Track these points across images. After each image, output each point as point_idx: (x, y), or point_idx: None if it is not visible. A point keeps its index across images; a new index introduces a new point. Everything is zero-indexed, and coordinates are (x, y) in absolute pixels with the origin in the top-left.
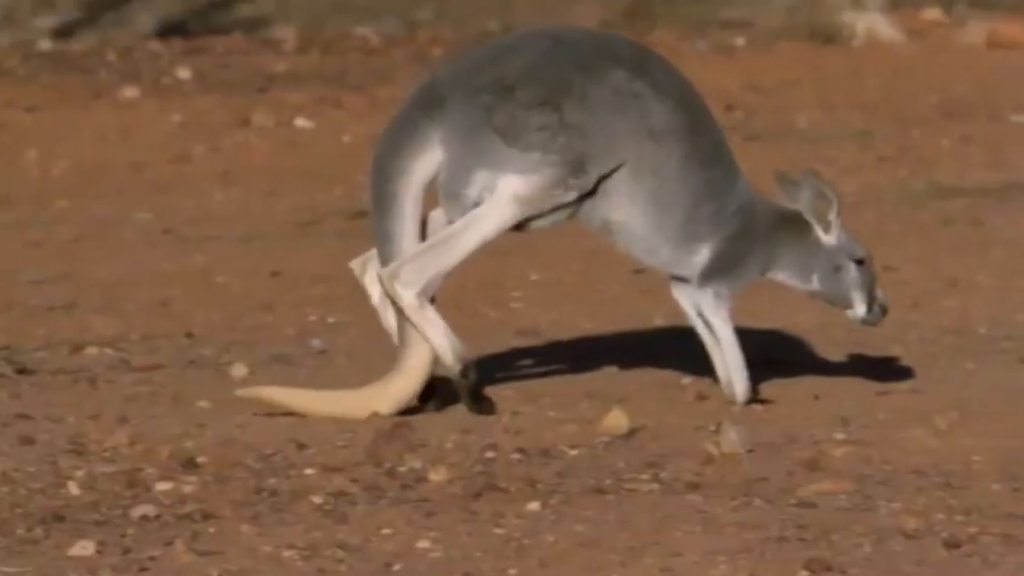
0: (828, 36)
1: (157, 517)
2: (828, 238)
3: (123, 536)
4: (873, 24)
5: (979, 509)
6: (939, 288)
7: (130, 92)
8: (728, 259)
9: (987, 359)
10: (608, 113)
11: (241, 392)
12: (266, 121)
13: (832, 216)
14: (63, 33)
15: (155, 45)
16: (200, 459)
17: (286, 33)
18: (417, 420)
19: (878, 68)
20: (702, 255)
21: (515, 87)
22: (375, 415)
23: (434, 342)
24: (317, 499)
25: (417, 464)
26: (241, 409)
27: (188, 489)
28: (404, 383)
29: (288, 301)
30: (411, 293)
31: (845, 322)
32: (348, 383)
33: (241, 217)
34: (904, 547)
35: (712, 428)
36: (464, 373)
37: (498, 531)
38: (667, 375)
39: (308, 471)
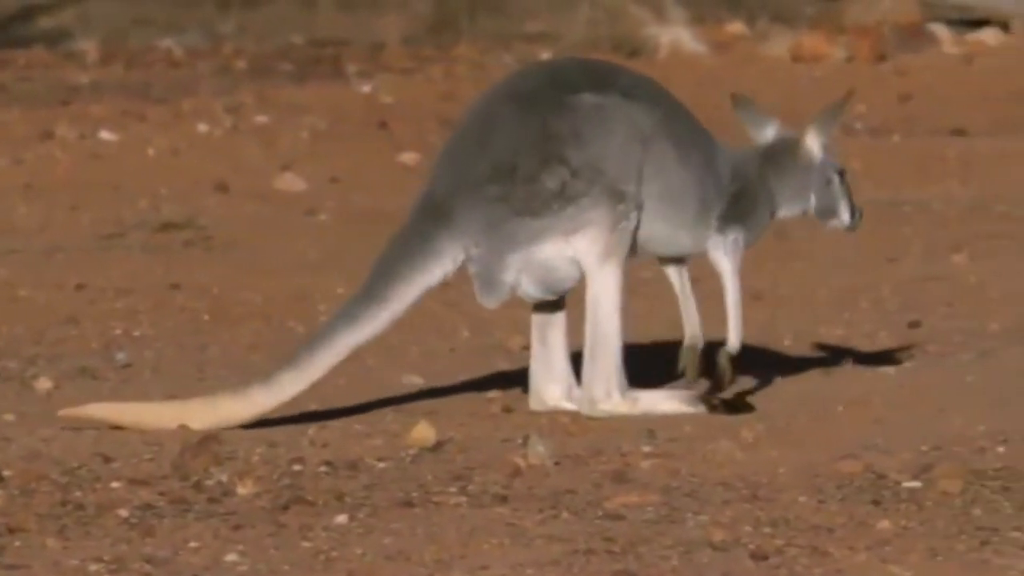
0: (633, 49)
1: None
2: (815, 147)
3: None
4: (677, 37)
5: (786, 521)
6: (744, 300)
7: None
8: (740, 212)
9: (792, 371)
10: (602, 134)
11: (63, 412)
12: (69, 134)
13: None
14: None
15: None
16: (5, 473)
17: (88, 46)
18: (224, 433)
19: (683, 81)
20: (716, 225)
21: (513, 165)
22: (183, 428)
23: (671, 412)
24: (123, 513)
25: (224, 477)
26: (46, 422)
27: None
28: (237, 407)
29: (93, 314)
30: (615, 402)
31: (649, 330)
32: (152, 396)
33: (45, 230)
34: (711, 559)
35: (519, 441)
36: (712, 408)
37: (306, 544)
38: (473, 388)
39: (114, 484)
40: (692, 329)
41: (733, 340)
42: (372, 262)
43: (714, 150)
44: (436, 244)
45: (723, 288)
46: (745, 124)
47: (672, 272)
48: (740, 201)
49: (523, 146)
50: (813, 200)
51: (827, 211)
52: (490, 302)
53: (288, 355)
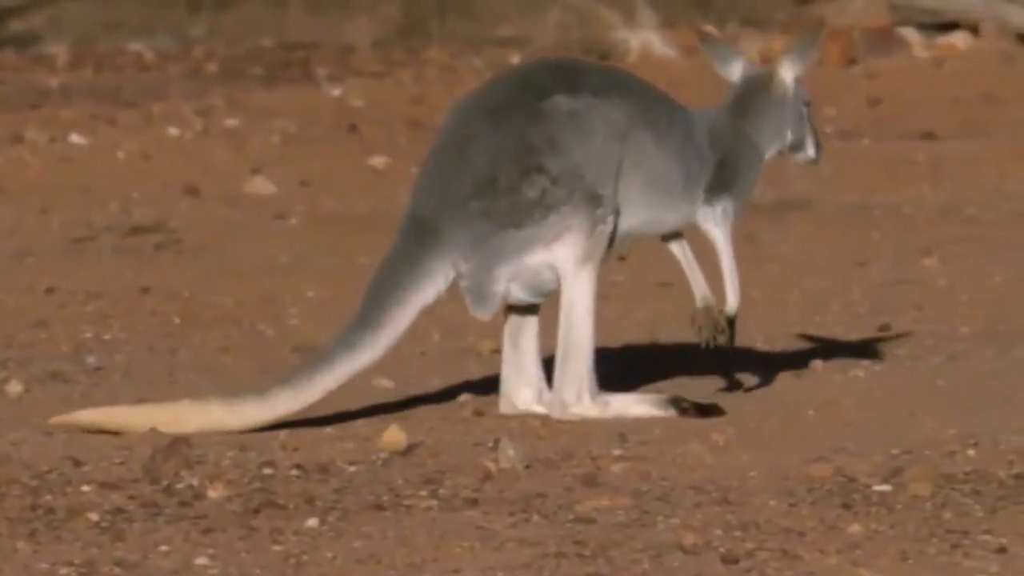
0: (603, 52)
1: None
2: (788, 79)
3: None
4: (647, 41)
5: (756, 524)
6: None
7: None
8: (726, 181)
9: (763, 374)
10: (579, 139)
11: (55, 420)
12: (39, 137)
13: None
14: None
15: None
16: None
17: (58, 49)
18: (194, 437)
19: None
20: (704, 197)
21: (494, 179)
22: (153, 431)
23: (641, 416)
24: (94, 516)
25: (195, 481)
26: (16, 426)
27: None
28: (228, 417)
29: (63, 318)
30: (586, 405)
31: (620, 333)
32: (123, 400)
33: (15, 233)
34: (682, 562)
35: (490, 444)
36: (682, 411)
37: (277, 548)
38: (444, 392)
39: (85, 488)
40: (701, 291)
41: (732, 302)
42: (364, 289)
43: (690, 124)
44: (426, 265)
45: (718, 255)
46: (712, 61)
47: (674, 245)
48: (724, 169)
49: (501, 159)
50: (789, 136)
51: (798, 145)
52: (483, 314)
53: (286, 375)
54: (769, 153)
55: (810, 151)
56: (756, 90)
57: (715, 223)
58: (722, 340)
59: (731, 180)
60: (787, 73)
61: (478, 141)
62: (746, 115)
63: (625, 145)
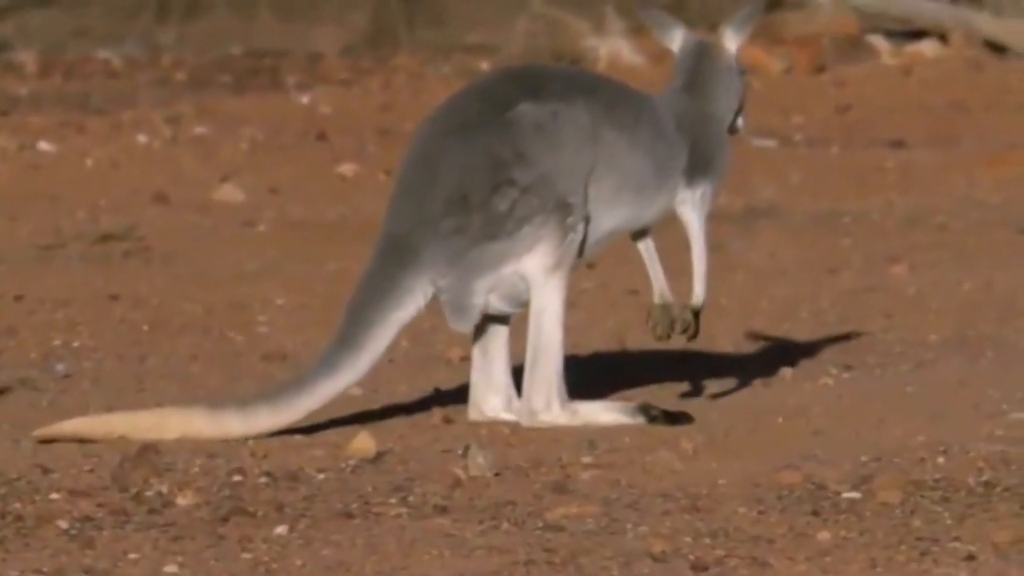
0: (573, 60)
1: None
2: (733, 47)
3: None
4: (616, 48)
5: (725, 532)
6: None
7: None
8: (702, 164)
9: (732, 382)
10: (549, 149)
11: (38, 433)
12: (8, 144)
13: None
14: None
15: None
16: None
17: (27, 57)
18: (163, 444)
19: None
20: (684, 181)
21: (464, 194)
22: (122, 439)
23: (610, 423)
24: (63, 524)
25: (164, 488)
26: None
27: None
28: (207, 427)
29: (32, 325)
30: (555, 413)
31: (588, 341)
32: (92, 407)
33: None
34: (651, 570)
35: (459, 451)
36: (651, 419)
37: (246, 555)
38: (414, 398)
39: (53, 496)
40: (660, 287)
41: (699, 293)
42: (344, 309)
43: (656, 114)
44: (404, 283)
45: (690, 243)
46: (652, 29)
47: (639, 242)
48: (697, 153)
49: (471, 175)
50: (736, 101)
51: (739, 114)
52: (463, 326)
53: (269, 392)
54: (728, 123)
55: (740, 121)
56: (706, 65)
57: (692, 207)
58: (687, 334)
59: (706, 164)
60: (731, 44)
61: (447, 158)
62: (703, 93)
63: (596, 148)
